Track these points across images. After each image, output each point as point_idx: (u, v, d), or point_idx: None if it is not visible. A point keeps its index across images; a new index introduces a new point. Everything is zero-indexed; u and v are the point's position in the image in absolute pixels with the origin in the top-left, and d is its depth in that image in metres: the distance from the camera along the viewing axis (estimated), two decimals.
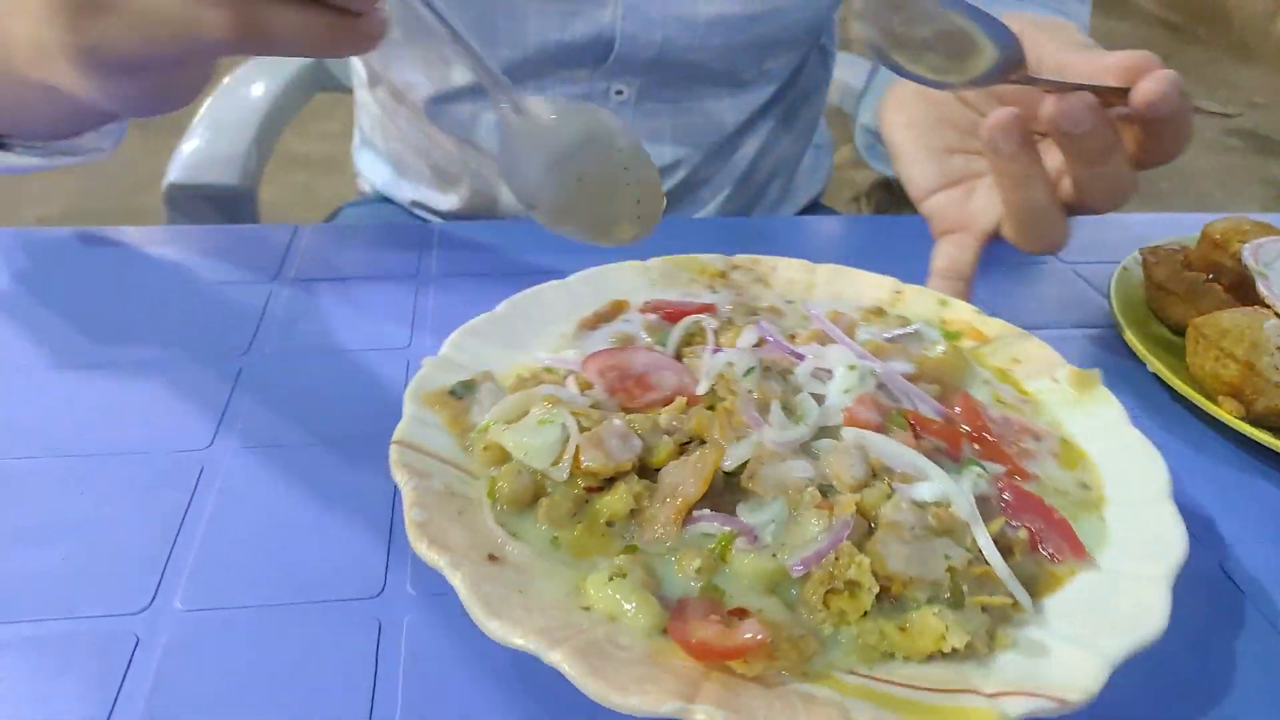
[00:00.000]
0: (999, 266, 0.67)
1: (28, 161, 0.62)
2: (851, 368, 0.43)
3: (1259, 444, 0.49)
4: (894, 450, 0.39)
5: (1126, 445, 0.43)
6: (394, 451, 0.39)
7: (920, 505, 0.37)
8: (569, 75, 0.77)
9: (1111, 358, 0.58)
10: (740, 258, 0.58)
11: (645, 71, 0.77)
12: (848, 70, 1.15)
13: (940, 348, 0.49)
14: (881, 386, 0.44)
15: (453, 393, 0.44)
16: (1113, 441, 0.43)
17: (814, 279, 0.57)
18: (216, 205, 0.90)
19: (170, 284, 0.62)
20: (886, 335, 0.50)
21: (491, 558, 0.36)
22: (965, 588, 0.35)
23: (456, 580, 0.34)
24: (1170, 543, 0.37)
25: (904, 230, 0.71)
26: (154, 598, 0.39)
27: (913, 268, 0.57)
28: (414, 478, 0.38)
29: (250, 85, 1.04)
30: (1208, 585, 0.42)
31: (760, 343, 0.47)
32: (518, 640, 0.31)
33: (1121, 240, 0.70)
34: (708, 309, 0.52)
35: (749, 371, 0.43)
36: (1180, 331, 0.56)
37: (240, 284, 0.61)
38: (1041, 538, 0.38)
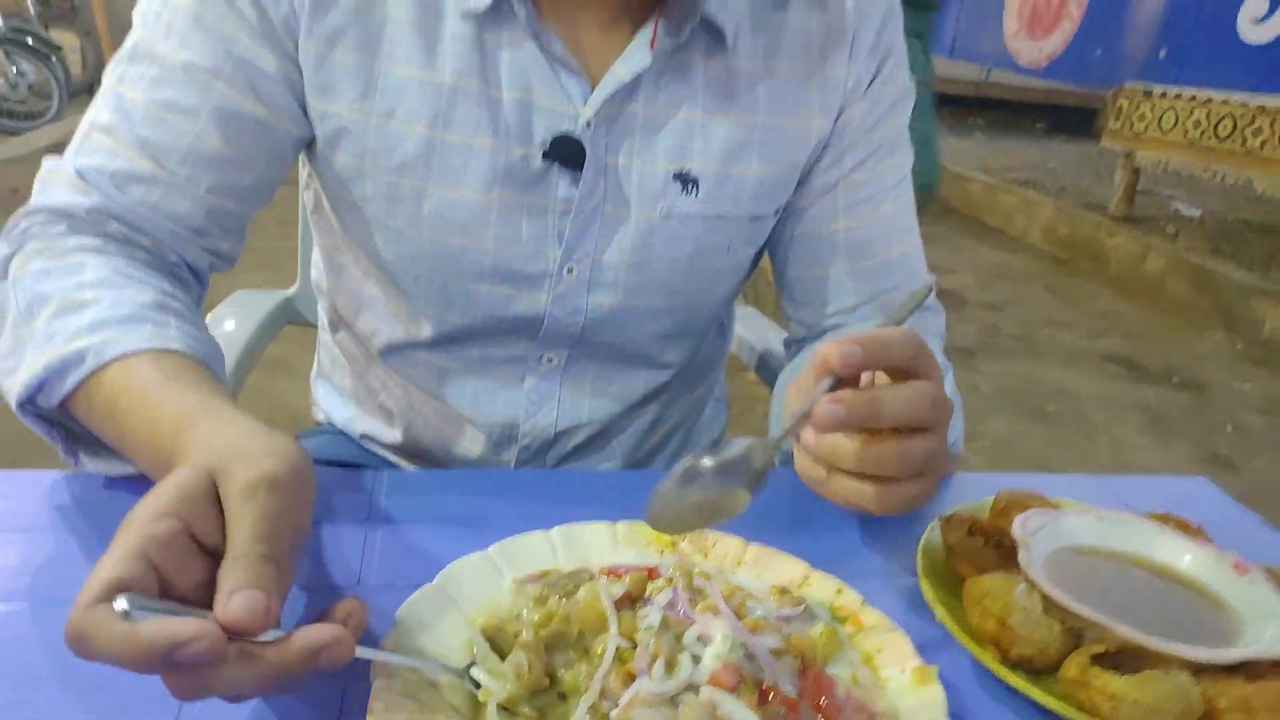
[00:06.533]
0: (837, 521, 0.80)
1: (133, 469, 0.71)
2: (726, 638, 0.56)
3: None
4: (734, 708, 0.52)
5: None
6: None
7: None
8: (508, 342, 0.95)
9: (918, 602, 0.68)
10: None
11: (571, 345, 0.96)
12: (741, 325, 1.37)
13: (818, 628, 0.61)
14: (751, 656, 0.57)
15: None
16: None
17: (744, 555, 0.70)
18: None
19: None
20: (779, 614, 0.63)
21: None
22: None
23: None
24: None
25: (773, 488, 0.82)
26: None
27: (765, 527, 0.69)
28: (384, 679, 0.53)
29: (224, 323, 1.18)
30: None
31: (671, 603, 0.60)
32: None
33: (945, 499, 0.83)
34: (651, 571, 0.66)
35: (647, 629, 0.57)
36: None
37: None
38: None
